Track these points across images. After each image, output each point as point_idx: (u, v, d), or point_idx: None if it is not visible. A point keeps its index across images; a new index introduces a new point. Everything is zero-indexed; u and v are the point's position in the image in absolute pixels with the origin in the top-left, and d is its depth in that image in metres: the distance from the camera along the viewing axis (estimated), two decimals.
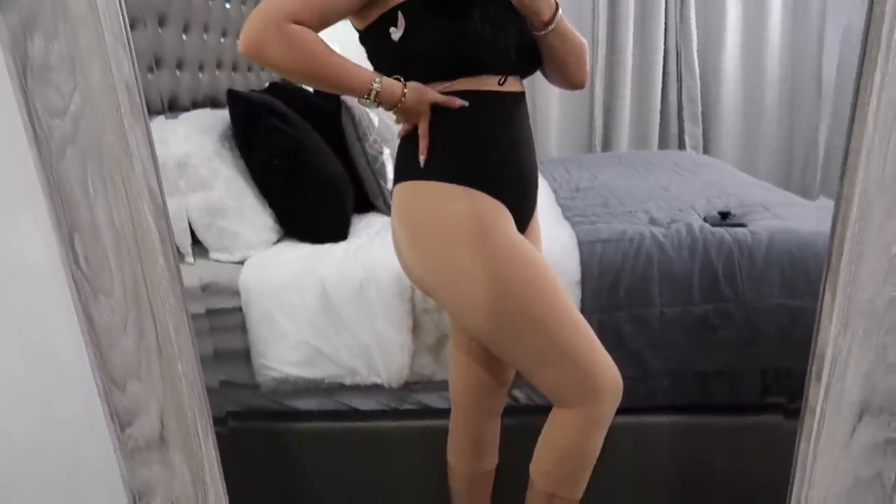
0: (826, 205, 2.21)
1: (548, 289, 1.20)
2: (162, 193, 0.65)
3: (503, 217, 1.22)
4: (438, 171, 1.21)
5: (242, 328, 1.72)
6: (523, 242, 1.23)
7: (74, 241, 0.62)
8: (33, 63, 0.57)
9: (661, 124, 4.22)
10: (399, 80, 1.18)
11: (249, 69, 3.09)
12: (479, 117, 1.21)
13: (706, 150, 4.24)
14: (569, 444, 1.26)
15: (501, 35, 1.18)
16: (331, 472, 1.78)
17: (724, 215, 1.80)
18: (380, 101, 1.16)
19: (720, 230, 1.69)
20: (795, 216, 1.82)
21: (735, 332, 1.62)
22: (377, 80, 1.15)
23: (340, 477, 1.78)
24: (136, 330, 0.67)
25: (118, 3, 0.60)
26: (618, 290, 1.62)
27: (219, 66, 2.77)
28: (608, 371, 1.23)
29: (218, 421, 1.81)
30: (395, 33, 1.16)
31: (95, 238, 0.63)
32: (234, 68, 2.93)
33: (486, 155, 1.22)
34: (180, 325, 0.68)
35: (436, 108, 1.19)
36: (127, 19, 0.60)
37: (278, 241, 1.94)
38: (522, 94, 1.28)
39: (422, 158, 1.21)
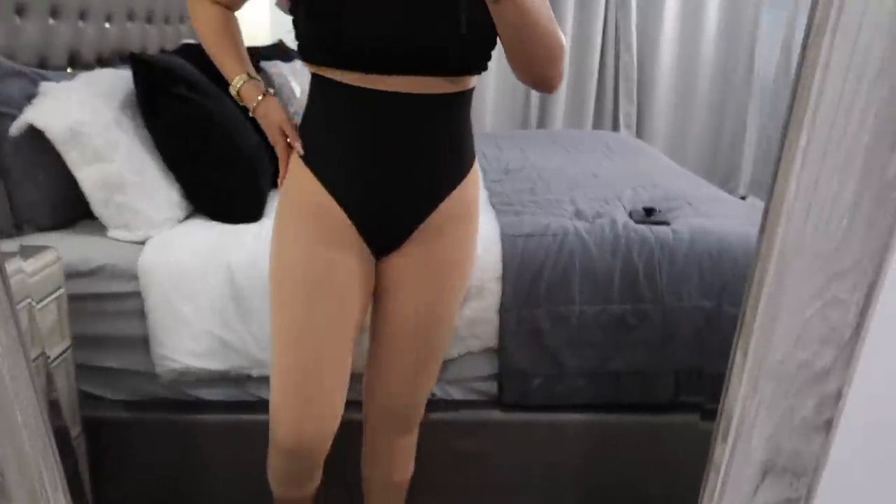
0: (755, 204, 2.23)
1: (293, 295, 1.20)
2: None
3: (314, 206, 1.16)
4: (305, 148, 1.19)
5: (140, 314, 1.61)
6: (303, 245, 1.18)
7: None
8: None
9: (596, 101, 4.20)
10: (265, 93, 1.21)
11: (167, 21, 2.87)
12: (335, 110, 1.13)
13: (639, 129, 4.26)
14: None
15: (361, 29, 1.04)
16: (236, 466, 1.70)
17: (649, 212, 1.78)
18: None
19: (643, 228, 1.67)
20: (718, 214, 1.82)
21: (651, 332, 1.61)
22: (239, 81, 1.20)
23: (247, 471, 1.70)
24: None
25: None
26: (538, 286, 1.59)
27: (130, 17, 2.55)
28: (284, 426, 1.23)
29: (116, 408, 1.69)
30: (284, 9, 1.15)
31: None
32: (149, 20, 2.71)
33: (329, 149, 1.15)
34: (17, 370, 0.58)
35: (311, 87, 1.15)
36: None
37: (185, 218, 1.81)
38: (420, 96, 1.09)
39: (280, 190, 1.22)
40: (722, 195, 2.10)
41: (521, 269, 1.59)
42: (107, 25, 2.38)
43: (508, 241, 1.62)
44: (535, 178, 2.23)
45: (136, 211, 1.68)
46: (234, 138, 1.81)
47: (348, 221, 1.16)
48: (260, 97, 1.20)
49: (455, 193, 1.19)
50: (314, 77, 1.14)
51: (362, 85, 1.08)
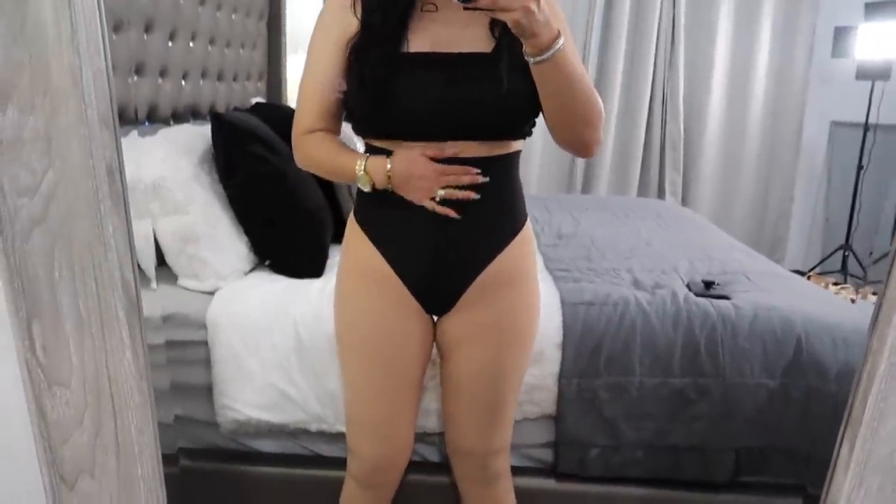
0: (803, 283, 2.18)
1: (354, 355, 1.27)
2: (136, 285, 0.59)
3: (370, 271, 1.21)
4: (357, 209, 1.25)
5: (206, 363, 1.64)
6: (361, 305, 1.24)
7: (33, 328, 0.56)
8: (3, 136, 0.50)
9: (642, 168, 4.23)
10: (384, 156, 1.15)
11: (235, 79, 3.01)
12: None
13: (684, 198, 4.27)
14: None
15: (404, 101, 1.11)
16: None
17: (708, 285, 1.78)
18: (373, 182, 1.16)
19: (704, 302, 1.67)
20: (776, 289, 1.81)
21: (711, 407, 1.59)
22: (360, 161, 1.16)
23: None
24: (93, 425, 0.60)
25: (107, 83, 0.53)
26: (598, 355, 1.59)
27: (203, 75, 2.69)
28: (359, 461, 1.33)
29: (169, 459, 1.72)
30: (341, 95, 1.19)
31: (56, 326, 0.56)
32: (220, 78, 2.85)
33: (382, 217, 1.21)
34: (145, 426, 0.61)
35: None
36: (115, 101, 0.54)
37: (251, 270, 1.86)
38: (464, 161, 1.14)
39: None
40: (780, 270, 2.08)
41: (581, 338, 1.59)
42: (182, 83, 2.51)
43: (569, 308, 1.63)
44: (590, 245, 2.25)
45: (206, 262, 1.74)
46: (302, 198, 1.88)
47: (402, 286, 1.21)
48: (388, 160, 1.14)
49: (503, 256, 1.21)
50: (367, 147, 1.21)
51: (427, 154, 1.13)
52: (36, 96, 0.51)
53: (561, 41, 1.01)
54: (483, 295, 1.22)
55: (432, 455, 1.68)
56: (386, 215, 1.20)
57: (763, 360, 1.58)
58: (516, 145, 1.21)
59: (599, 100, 1.13)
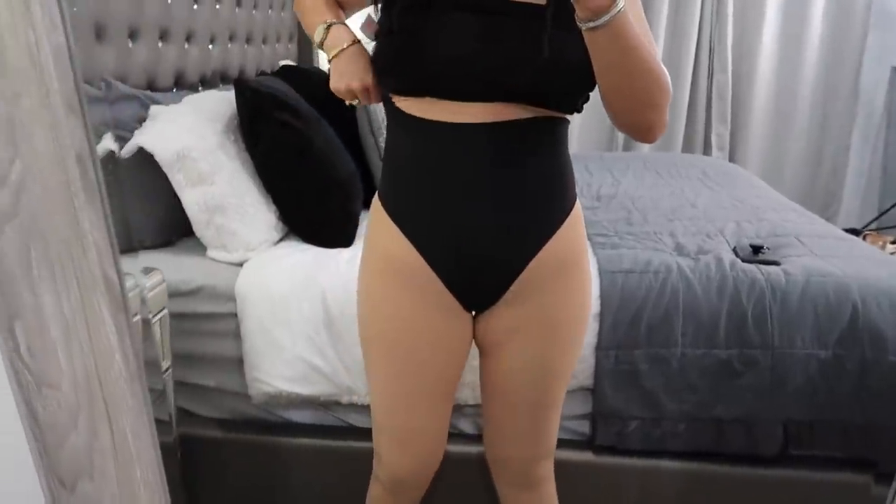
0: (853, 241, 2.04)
1: (382, 360, 1.15)
2: (121, 281, 0.54)
3: (398, 261, 1.07)
4: (381, 186, 1.12)
5: (236, 335, 1.63)
6: (389, 304, 1.10)
7: (15, 328, 0.52)
8: None
9: (687, 122, 4.05)
10: (350, 38, 1.09)
11: (264, 41, 2.95)
12: (415, 152, 1.05)
13: (731, 152, 4.08)
14: None
15: (430, 51, 0.97)
16: (323, 492, 1.69)
17: (757, 249, 1.68)
18: (324, 38, 1.10)
19: (752, 269, 1.57)
20: (831, 253, 1.70)
21: (758, 379, 1.51)
22: (324, 24, 1.09)
23: (334, 495, 1.70)
24: (89, 428, 0.57)
25: (69, 60, 0.48)
26: (638, 326, 1.52)
27: (231, 38, 2.63)
28: (386, 468, 1.25)
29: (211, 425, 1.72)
30: (369, 35, 1.11)
31: (41, 327, 0.52)
32: (248, 41, 2.79)
33: (411, 198, 1.07)
34: (140, 429, 0.57)
35: (390, 134, 1.09)
36: (81, 82, 0.49)
37: (280, 240, 1.83)
38: (502, 124, 0.99)
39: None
40: (836, 231, 1.96)
41: (620, 308, 1.52)
42: (210, 47, 2.46)
43: (607, 276, 1.56)
44: (630, 207, 2.16)
45: (235, 233, 1.71)
46: (330, 165, 1.82)
47: (437, 279, 1.06)
48: (346, 45, 1.08)
49: (554, 241, 1.06)
50: (394, 119, 1.07)
51: (441, 119, 1.00)
52: None
53: (621, 4, 0.83)
54: (531, 286, 1.07)
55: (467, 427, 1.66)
56: (414, 191, 1.05)
57: (815, 330, 1.49)
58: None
59: (667, 76, 0.95)
